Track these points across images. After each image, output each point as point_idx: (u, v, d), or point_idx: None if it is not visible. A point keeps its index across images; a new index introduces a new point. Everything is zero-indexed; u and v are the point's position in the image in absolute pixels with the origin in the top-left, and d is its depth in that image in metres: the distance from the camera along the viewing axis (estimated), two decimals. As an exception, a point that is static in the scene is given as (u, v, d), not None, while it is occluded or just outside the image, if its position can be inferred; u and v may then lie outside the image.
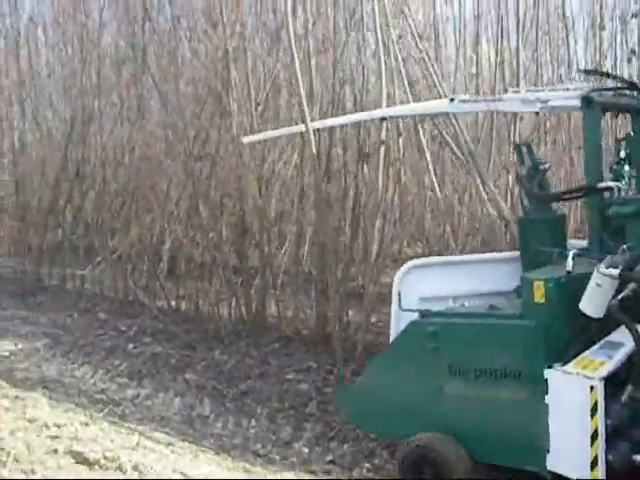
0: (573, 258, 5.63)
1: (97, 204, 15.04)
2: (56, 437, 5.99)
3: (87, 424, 6.85)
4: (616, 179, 6.20)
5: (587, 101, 5.96)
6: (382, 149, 9.48)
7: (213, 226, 11.79)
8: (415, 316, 6.49)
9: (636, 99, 6.39)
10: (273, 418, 8.24)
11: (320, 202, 9.89)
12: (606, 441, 5.05)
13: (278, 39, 11.46)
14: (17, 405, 6.92)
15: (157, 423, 8.02)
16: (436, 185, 9.55)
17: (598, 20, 11.09)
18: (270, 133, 10.62)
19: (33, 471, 5.15)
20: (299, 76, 9.36)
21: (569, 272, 5.57)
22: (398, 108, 8.97)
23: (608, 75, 8.23)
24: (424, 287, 6.78)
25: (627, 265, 5.24)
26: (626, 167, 6.28)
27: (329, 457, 7.35)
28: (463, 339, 6.13)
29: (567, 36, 11.48)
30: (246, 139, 10.89)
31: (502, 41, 10.73)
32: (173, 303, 12.98)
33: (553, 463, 5.38)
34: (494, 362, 5.81)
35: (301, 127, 9.72)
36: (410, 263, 7.08)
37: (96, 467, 5.43)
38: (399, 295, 6.74)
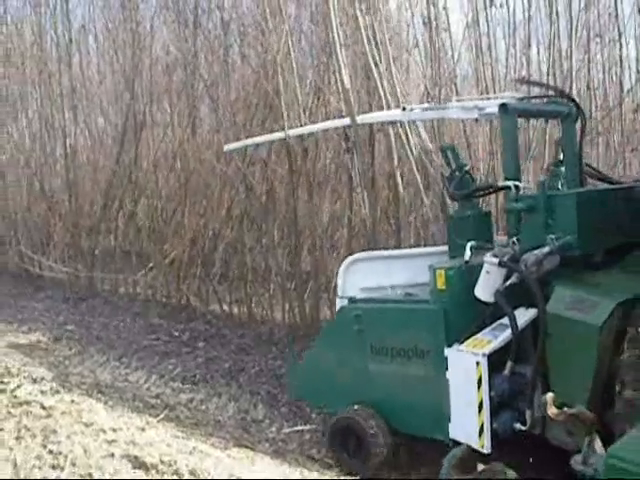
0: (471, 249, 6.36)
1: (149, 209, 15.12)
2: (113, 441, 6.03)
3: (143, 429, 6.88)
4: (553, 179, 7.03)
5: (504, 108, 6.52)
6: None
7: (266, 230, 11.78)
8: None
9: (565, 105, 7.02)
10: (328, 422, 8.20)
11: (370, 204, 9.90)
12: (491, 411, 5.80)
13: (325, 44, 11.44)
14: (73, 409, 6.94)
15: (212, 427, 8.03)
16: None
17: (650, 20, 10.91)
18: (249, 141, 11.02)
19: (90, 475, 5.20)
20: (345, 78, 9.51)
21: (467, 262, 6.32)
22: (360, 117, 9.46)
23: (532, 83, 9.20)
24: (364, 278, 7.61)
25: (514, 256, 5.92)
26: (562, 168, 7.00)
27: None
28: (381, 322, 6.93)
29: (619, 37, 11.29)
30: (227, 147, 11.02)
31: (554, 43, 10.62)
32: (226, 308, 13.00)
33: (453, 432, 6.16)
34: (406, 342, 6.60)
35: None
36: (352, 257, 7.91)
37: (153, 472, 5.47)
38: (338, 285, 7.64)
